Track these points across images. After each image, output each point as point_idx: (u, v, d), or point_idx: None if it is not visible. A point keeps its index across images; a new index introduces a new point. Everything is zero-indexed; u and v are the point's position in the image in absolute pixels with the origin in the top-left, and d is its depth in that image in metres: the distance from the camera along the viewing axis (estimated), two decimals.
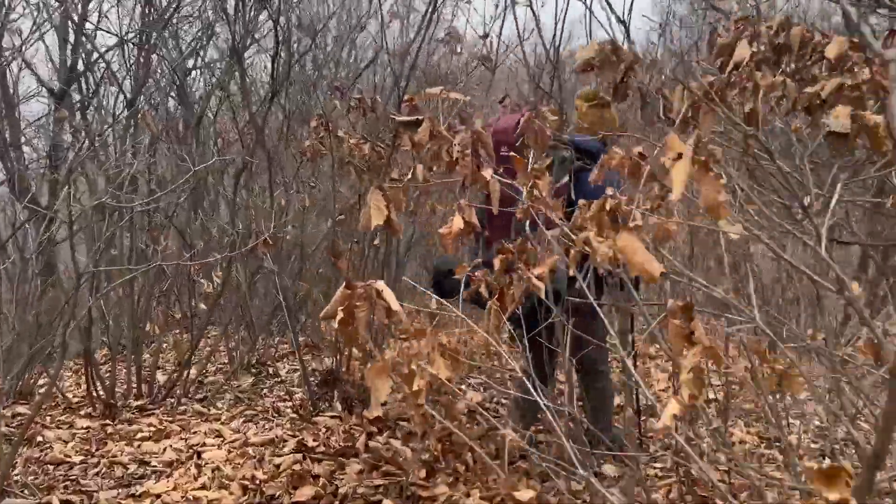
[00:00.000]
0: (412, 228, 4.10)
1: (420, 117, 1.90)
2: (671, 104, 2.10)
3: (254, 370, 4.86)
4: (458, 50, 7.67)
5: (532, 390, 1.95)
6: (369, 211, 1.76)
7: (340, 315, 1.55)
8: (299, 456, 3.22)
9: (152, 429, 3.60)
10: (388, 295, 1.54)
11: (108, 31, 5.78)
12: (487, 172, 1.80)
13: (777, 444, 3.84)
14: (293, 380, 4.60)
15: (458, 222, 1.71)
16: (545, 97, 2.52)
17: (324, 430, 3.55)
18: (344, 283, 1.56)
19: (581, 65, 2.01)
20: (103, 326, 5.08)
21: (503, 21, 4.28)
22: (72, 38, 6.62)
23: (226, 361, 5.09)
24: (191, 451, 3.35)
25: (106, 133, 4.91)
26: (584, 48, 2.00)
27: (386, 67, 4.40)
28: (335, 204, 4.24)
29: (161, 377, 4.55)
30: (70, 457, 3.29)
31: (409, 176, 1.94)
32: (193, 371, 4.36)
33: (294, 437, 3.51)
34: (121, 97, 6.22)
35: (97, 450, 3.38)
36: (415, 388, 1.51)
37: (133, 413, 3.88)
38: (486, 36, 4.91)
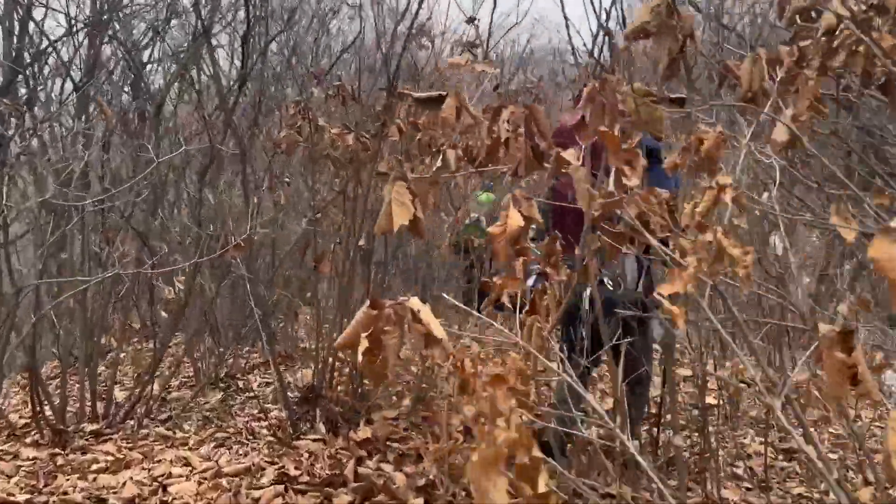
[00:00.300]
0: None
1: (443, 93, 1.54)
2: (734, 78, 1.78)
3: (222, 384, 4.43)
4: (427, 44, 7.31)
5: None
6: (390, 209, 1.39)
7: (364, 344, 1.17)
8: (280, 487, 2.84)
9: (110, 458, 3.17)
10: (428, 317, 1.18)
11: (56, 10, 5.26)
12: (571, 154, 1.42)
13: (795, 455, 3.59)
14: (267, 394, 4.19)
15: (514, 219, 1.34)
16: (600, 72, 2.18)
17: (307, 455, 3.17)
18: (369, 302, 1.20)
19: (634, 31, 1.67)
20: (53, 336, 4.61)
21: (495, 2, 3.94)
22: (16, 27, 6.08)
23: (190, 374, 4.66)
24: (155, 484, 2.94)
25: (50, 120, 4.41)
26: (639, 11, 1.67)
27: (368, 54, 4.02)
28: (312, 201, 3.86)
29: (119, 394, 4.10)
30: (14, 495, 2.85)
31: (438, 164, 1.56)
32: (156, 387, 3.92)
33: (273, 464, 3.12)
34: (70, 87, 5.72)
35: (45, 485, 2.94)
36: (541, 488, 1.02)
37: (87, 439, 3.44)
38: (472, 20, 4.55)
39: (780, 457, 3.66)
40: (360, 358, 1.18)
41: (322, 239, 3.61)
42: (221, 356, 4.39)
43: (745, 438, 3.87)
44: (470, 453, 1.03)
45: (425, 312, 1.16)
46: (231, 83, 4.34)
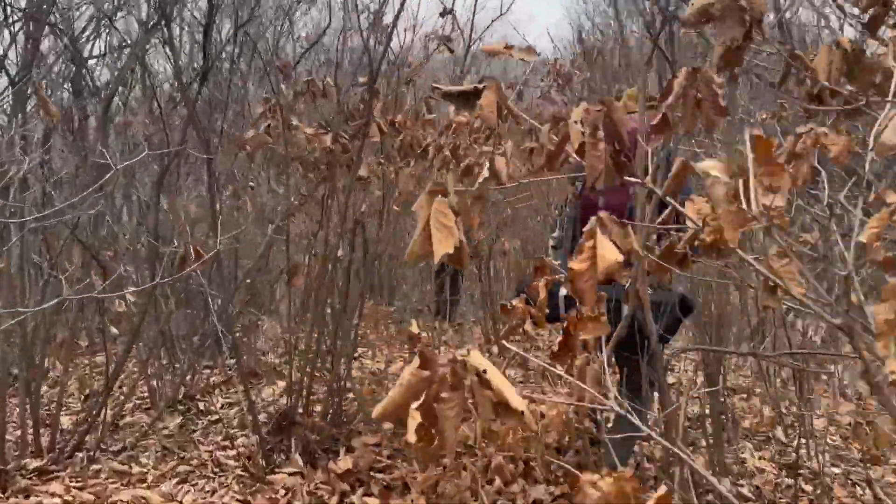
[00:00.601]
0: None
1: (479, 85, 1.26)
2: (805, 71, 1.55)
3: (181, 406, 4.07)
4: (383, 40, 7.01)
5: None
6: (428, 232, 1.10)
7: (415, 418, 0.88)
8: None
9: (57, 501, 2.81)
10: (499, 380, 0.90)
11: None
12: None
13: (800, 472, 3.42)
14: (232, 417, 3.84)
15: (606, 251, 1.05)
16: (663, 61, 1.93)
17: (283, 492, 2.86)
18: (418, 359, 0.91)
19: (695, 13, 1.42)
20: None
21: None
22: None
23: (145, 395, 4.26)
24: None
25: None
26: None
27: (339, 48, 3.70)
28: (279, 207, 3.55)
29: (65, 420, 3.71)
30: None
31: (484, 174, 1.27)
32: (108, 412, 3.54)
33: (245, 503, 2.81)
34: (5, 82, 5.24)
35: None
36: None
37: (31, 478, 3.05)
38: (447, 12, 4.27)
39: (784, 472, 3.49)
40: (411, 436, 0.89)
41: (293, 247, 3.29)
42: (182, 376, 4.02)
43: (744, 453, 3.70)
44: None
45: (494, 374, 0.89)
46: (191, 77, 3.97)
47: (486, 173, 1.24)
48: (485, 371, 0.88)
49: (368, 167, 3.00)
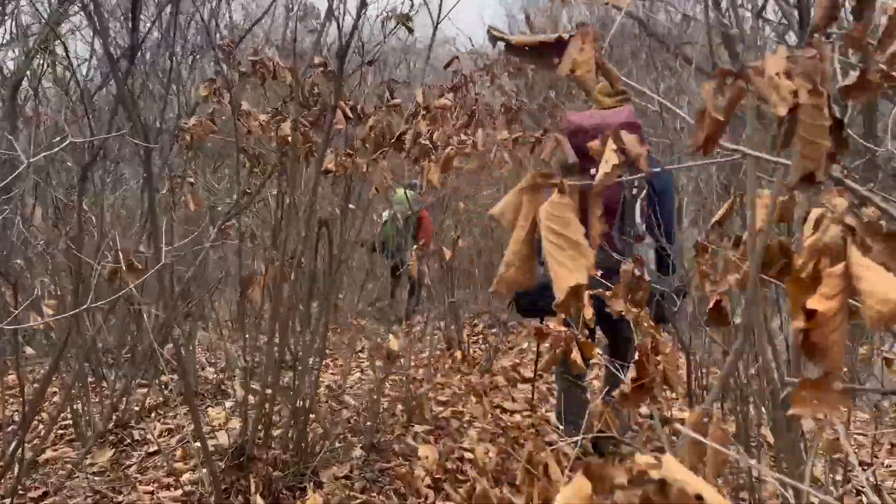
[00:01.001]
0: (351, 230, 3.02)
1: (564, 34, 0.89)
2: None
3: (112, 436, 3.55)
4: (314, 26, 6.54)
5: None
6: (527, 249, 0.73)
7: None
8: None
9: None
10: (713, 497, 0.54)
11: None
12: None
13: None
14: (174, 448, 3.36)
15: (886, 285, 0.66)
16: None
17: None
18: (582, 470, 0.54)
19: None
20: None
21: None
22: None
23: (69, 423, 3.72)
24: None
25: None
26: None
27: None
28: (221, 205, 3.09)
29: None
30: None
31: (612, 159, 0.88)
32: (28, 450, 3.01)
33: None
34: None
35: None
36: None
37: None
38: None
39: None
40: None
41: (247, 251, 2.85)
42: (113, 399, 3.50)
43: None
44: None
45: (710, 494, 0.52)
46: (119, 54, 3.43)
47: (613, 158, 0.87)
48: (700, 498, 0.52)
49: (335, 160, 2.59)
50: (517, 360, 5.46)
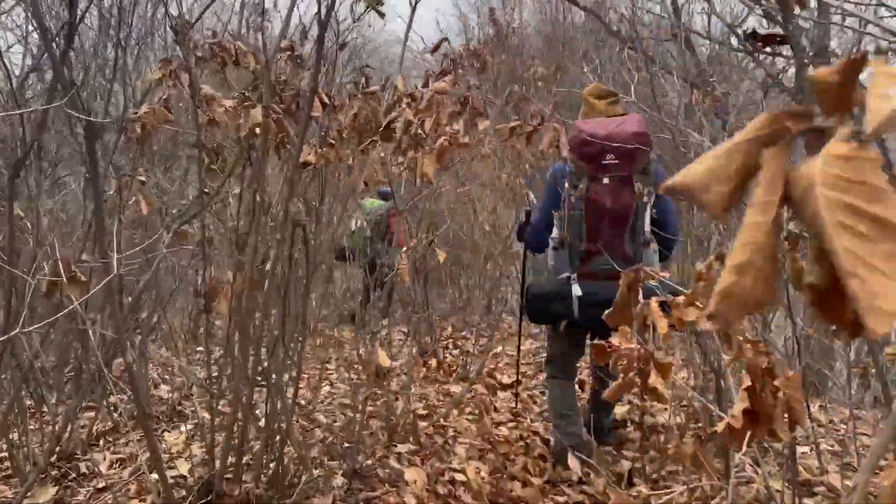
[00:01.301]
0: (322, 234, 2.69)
1: None
2: None
3: (54, 470, 3.14)
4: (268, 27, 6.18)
5: None
6: (767, 254, 0.44)
7: None
8: None
9: None
10: None
11: None
12: None
13: (816, 491, 3.02)
14: (127, 483, 2.98)
15: None
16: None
17: None
18: None
19: None
20: None
21: None
22: None
23: (5, 455, 3.27)
24: None
25: None
26: None
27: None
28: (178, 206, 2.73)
29: None
30: None
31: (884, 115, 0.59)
32: None
33: None
34: None
35: None
36: None
37: None
38: None
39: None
40: None
41: (208, 256, 2.50)
42: (55, 427, 3.09)
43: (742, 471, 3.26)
44: None
45: None
46: (54, 34, 3.00)
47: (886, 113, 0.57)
48: None
49: (314, 152, 2.27)
50: (492, 366, 5.20)
